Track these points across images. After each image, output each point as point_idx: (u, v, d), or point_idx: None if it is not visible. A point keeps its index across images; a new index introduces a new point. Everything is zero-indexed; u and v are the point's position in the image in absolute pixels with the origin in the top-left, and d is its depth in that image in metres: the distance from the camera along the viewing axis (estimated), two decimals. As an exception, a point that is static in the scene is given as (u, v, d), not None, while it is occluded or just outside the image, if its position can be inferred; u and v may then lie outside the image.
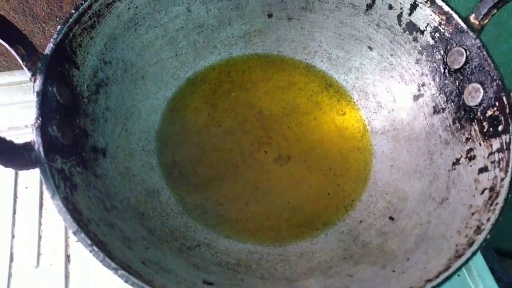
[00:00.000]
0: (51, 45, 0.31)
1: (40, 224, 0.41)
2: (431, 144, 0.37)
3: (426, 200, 0.34)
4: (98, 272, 0.39)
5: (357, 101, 0.43)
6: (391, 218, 0.35)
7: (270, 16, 0.44)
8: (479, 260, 0.41)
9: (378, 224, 0.35)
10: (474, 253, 0.25)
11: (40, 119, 0.28)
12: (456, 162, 0.34)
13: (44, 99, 0.29)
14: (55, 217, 0.41)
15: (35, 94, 0.29)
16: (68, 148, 0.30)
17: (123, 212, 0.31)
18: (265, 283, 0.30)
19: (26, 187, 0.43)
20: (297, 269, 0.32)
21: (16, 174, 0.44)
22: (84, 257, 0.40)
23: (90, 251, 0.24)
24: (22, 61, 0.30)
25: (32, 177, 0.43)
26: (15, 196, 0.42)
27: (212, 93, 0.43)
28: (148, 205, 0.34)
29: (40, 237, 0.40)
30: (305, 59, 0.45)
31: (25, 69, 0.30)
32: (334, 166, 0.40)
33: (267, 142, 0.41)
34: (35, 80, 0.30)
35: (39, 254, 0.40)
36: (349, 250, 0.33)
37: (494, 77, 0.32)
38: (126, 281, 0.23)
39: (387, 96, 0.41)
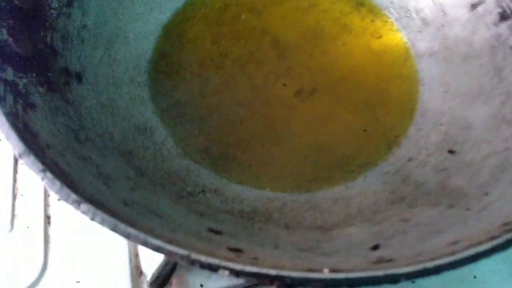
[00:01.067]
0: None
1: (14, 180, 0.34)
2: (498, 58, 0.28)
3: (499, 125, 0.25)
4: (84, 235, 0.32)
5: (396, 20, 0.35)
6: (450, 152, 0.27)
7: None
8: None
9: (434, 160, 0.27)
10: None
11: (-19, 17, 0.21)
12: (539, 73, 0.25)
13: (-11, -7, 0.21)
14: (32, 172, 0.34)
15: (-23, -13, 0.22)
16: (26, 61, 0.23)
17: (102, 146, 0.24)
18: (292, 233, 0.23)
19: (0, 139, 0.36)
20: (332, 216, 0.25)
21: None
22: (68, 218, 0.33)
23: (42, 179, 0.16)
24: None
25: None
26: (-14, 151, 0.35)
27: (216, 18, 0.35)
28: (138, 143, 0.27)
29: (14, 196, 0.33)
30: (329, -26, 0.37)
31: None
32: (370, 99, 0.32)
33: (285, 74, 0.34)
34: (-22, -28, 0.22)
35: (13, 216, 0.33)
36: (399, 192, 0.25)
37: None
38: (92, 218, 0.15)
39: (435, 9, 0.33)
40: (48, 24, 0.26)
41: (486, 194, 0.21)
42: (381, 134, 0.30)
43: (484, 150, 0.25)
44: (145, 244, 0.15)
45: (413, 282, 0.26)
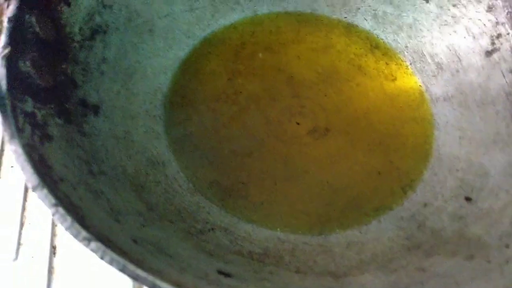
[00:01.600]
0: (34, -31, 0.24)
1: (23, 209, 0.34)
2: (515, 105, 0.28)
3: (518, 174, 0.25)
4: (88, 267, 0.31)
5: (410, 64, 0.35)
6: (467, 199, 0.26)
7: (303, -34, 0.37)
8: None
9: (451, 207, 0.26)
10: None
11: (9, 48, 0.21)
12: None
13: (17, 26, 0.22)
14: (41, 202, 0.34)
15: (6, 19, 0.22)
16: (47, 93, 0.23)
17: (115, 180, 0.24)
18: (303, 278, 0.22)
19: (12, 166, 0.36)
20: (345, 262, 0.24)
21: (1, 151, 0.37)
22: (73, 249, 0.32)
23: (53, 214, 0.16)
24: (-8, -20, 0.23)
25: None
26: (-3, 176, 0.35)
27: (233, 56, 0.36)
28: (150, 177, 0.26)
29: (22, 224, 0.33)
30: (345, 17, 0.37)
31: (-4, -9, 0.23)
32: (384, 141, 0.32)
33: (299, 112, 0.34)
34: (8, 6, 0.23)
35: (19, 244, 0.32)
36: (414, 239, 0.25)
37: None
38: (101, 257, 0.15)
39: (450, 55, 0.33)
40: (70, 56, 0.26)
41: (507, 246, 0.21)
42: (396, 177, 0.30)
43: (503, 198, 0.24)
44: (154, 287, 0.14)
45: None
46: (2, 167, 0.36)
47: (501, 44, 0.30)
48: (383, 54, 0.36)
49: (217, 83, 0.35)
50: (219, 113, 0.33)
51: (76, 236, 0.16)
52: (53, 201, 0.16)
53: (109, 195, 0.22)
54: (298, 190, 0.30)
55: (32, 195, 0.35)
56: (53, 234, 0.33)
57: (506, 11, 0.30)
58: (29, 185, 0.17)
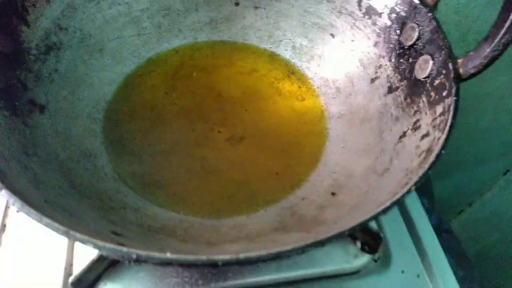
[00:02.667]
0: (-1, -4, 0.32)
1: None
2: (382, 122, 0.35)
3: (370, 175, 0.31)
4: (34, 246, 0.37)
5: (317, 87, 0.42)
6: (333, 194, 0.32)
7: (237, 4, 0.44)
8: (443, 263, 0.38)
9: (320, 200, 0.32)
10: (393, 204, 0.23)
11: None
12: (403, 134, 0.32)
13: (-23, 39, 0.29)
14: None
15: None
16: (-2, 91, 0.30)
17: (46, 162, 0.30)
18: (183, 245, 0.28)
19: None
20: (224, 237, 0.30)
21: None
22: (22, 229, 0.38)
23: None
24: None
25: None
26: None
27: (172, 74, 0.43)
28: (80, 164, 0.33)
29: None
30: (270, 47, 0.45)
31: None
32: (287, 149, 0.38)
33: (222, 123, 0.40)
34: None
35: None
36: (284, 222, 0.31)
37: (443, 46, 0.31)
38: (7, 200, 0.21)
39: (346, 81, 0.40)
40: (24, 66, 0.33)
41: (335, 223, 0.27)
42: (289, 177, 0.36)
43: (354, 193, 0.31)
44: (40, 220, 0.21)
45: None
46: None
47: (381, 73, 0.37)
48: (297, 79, 0.43)
49: (155, 95, 0.41)
50: (153, 118, 0.40)
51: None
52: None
53: (36, 170, 0.28)
54: (208, 185, 0.36)
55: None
56: (5, 215, 0.39)
57: (386, 46, 0.37)
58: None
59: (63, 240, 0.36)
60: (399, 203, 0.23)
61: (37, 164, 0.29)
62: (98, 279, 0.34)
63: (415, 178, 0.24)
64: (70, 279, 0.32)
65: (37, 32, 0.35)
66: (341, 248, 0.37)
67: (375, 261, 0.37)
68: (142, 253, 0.20)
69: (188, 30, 0.45)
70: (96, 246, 0.20)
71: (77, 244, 0.36)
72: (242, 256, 0.20)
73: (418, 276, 0.37)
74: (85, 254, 0.35)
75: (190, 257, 0.20)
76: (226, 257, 0.20)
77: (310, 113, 0.41)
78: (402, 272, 0.37)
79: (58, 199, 0.27)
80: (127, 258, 0.20)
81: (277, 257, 0.20)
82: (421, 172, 0.24)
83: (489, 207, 0.92)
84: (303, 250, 0.20)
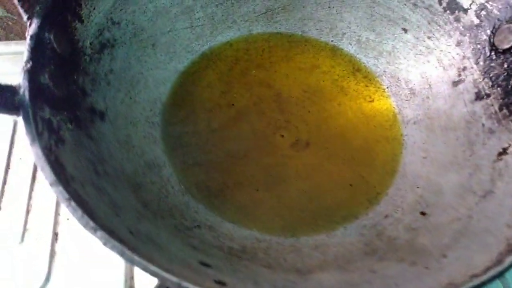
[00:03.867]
0: (54, -10, 0.28)
1: (30, 198, 0.38)
2: (471, 133, 0.32)
3: (466, 194, 0.29)
4: (86, 253, 0.35)
5: (387, 87, 0.39)
6: (422, 213, 0.30)
7: (296, -8, 0.41)
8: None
9: (407, 219, 0.30)
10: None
11: (30, 62, 0.25)
12: (503, 152, 0.29)
13: (38, 43, 0.26)
14: (47, 192, 0.38)
15: (28, 37, 0.26)
16: (61, 102, 0.27)
17: (115, 179, 0.27)
18: (273, 273, 0.26)
19: (20, 158, 0.40)
20: (310, 261, 0.28)
21: (11, 144, 0.40)
22: (74, 236, 0.36)
23: (67, 206, 0.20)
24: (18, 1, 0.27)
25: (27, 148, 0.40)
26: (7, 167, 0.39)
27: (227, 70, 0.40)
28: (147, 178, 0.30)
29: (28, 212, 0.37)
30: (332, 41, 0.41)
31: (21, 10, 0.27)
32: (357, 156, 0.36)
33: (284, 126, 0.37)
34: (30, 24, 0.27)
35: (25, 229, 0.36)
36: (372, 245, 0.29)
37: (553, 55, 0.28)
38: (105, 244, 0.19)
39: (422, 82, 0.37)
40: (81, 68, 0.30)
41: (444, 256, 0.24)
42: (365, 190, 0.34)
43: (450, 215, 0.28)
44: (146, 269, 0.18)
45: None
46: (12, 158, 0.40)
47: (466, 76, 0.34)
48: (364, 77, 0.40)
49: (211, 95, 0.38)
50: (212, 122, 0.37)
51: (85, 225, 0.19)
52: (66, 196, 0.20)
53: (110, 192, 0.26)
54: (277, 197, 0.34)
55: (38, 186, 0.38)
56: (56, 222, 0.37)
57: (472, 47, 0.34)
58: (48, 181, 0.21)
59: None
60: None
61: (108, 184, 0.26)
62: (163, 297, 0.32)
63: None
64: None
65: (91, 28, 0.31)
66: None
67: None
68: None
69: (243, 21, 0.41)
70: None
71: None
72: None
73: (495, 292, 0.35)
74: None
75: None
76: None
77: (381, 116, 0.38)
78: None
79: (138, 226, 0.24)
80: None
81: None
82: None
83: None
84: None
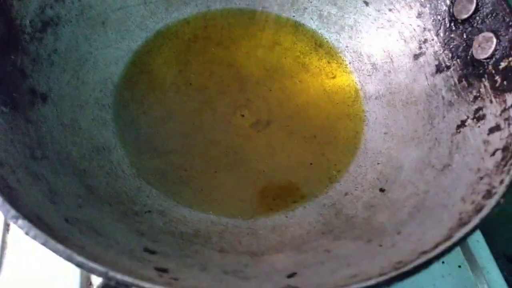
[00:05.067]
0: (-17, -37, 0.26)
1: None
2: (432, 107, 0.31)
3: (425, 169, 0.28)
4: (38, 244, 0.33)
5: (349, 63, 0.38)
6: (381, 190, 0.29)
7: (255, -34, 0.39)
8: (484, 252, 0.36)
9: (366, 197, 0.29)
10: (483, 220, 0.20)
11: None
12: (462, 124, 0.28)
13: (-37, 20, 0.24)
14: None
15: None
16: (-8, 83, 0.25)
17: (58, 164, 0.26)
18: (224, 257, 0.25)
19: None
20: (266, 243, 0.27)
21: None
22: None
23: (-14, 194, 0.18)
24: None
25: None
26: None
27: (185, 49, 0.38)
28: (94, 162, 0.29)
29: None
30: (293, 16, 0.40)
31: None
32: (319, 134, 0.35)
33: (244, 105, 0.36)
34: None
35: (-26, 222, 0.34)
36: (330, 224, 0.28)
37: (510, 23, 0.27)
38: (27, 233, 0.17)
39: (384, 56, 0.36)
40: (20, 48, 0.28)
41: (399, 232, 0.24)
42: (325, 168, 0.33)
43: (408, 190, 0.27)
44: (70, 260, 0.17)
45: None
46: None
47: (427, 48, 0.33)
48: (326, 53, 0.38)
49: (168, 74, 0.37)
50: (168, 104, 0.35)
51: (6, 214, 0.18)
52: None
53: (49, 178, 0.24)
54: (236, 178, 0.33)
55: None
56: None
57: (432, 18, 0.33)
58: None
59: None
60: (485, 221, 0.20)
61: (48, 169, 0.25)
62: None
63: (497, 186, 0.21)
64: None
65: (30, 5, 0.29)
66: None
67: (415, 252, 0.35)
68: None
69: (200, -3, 0.39)
70: (144, 289, 0.16)
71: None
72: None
73: (459, 266, 0.35)
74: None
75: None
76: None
77: (343, 93, 0.37)
78: (443, 263, 0.35)
79: (79, 214, 0.23)
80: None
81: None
82: (505, 179, 0.21)
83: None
84: (388, 283, 0.17)
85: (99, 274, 0.17)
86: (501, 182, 0.21)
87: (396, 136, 0.32)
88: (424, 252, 0.19)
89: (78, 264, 0.17)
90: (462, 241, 0.19)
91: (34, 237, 0.17)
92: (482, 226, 0.20)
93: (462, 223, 0.20)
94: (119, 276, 0.16)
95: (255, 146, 0.34)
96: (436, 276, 0.35)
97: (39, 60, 0.29)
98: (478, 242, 0.36)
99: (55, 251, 0.17)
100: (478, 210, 0.21)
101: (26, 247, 0.33)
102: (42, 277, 0.32)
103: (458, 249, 0.36)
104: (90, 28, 0.34)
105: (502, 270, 0.34)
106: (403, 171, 0.29)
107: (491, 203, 0.20)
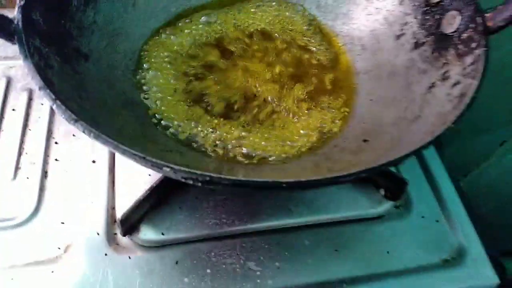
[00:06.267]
0: None
1: (22, 142, 0.42)
2: (409, 76, 0.37)
3: (400, 121, 0.34)
4: (72, 189, 0.39)
5: (343, 44, 0.44)
6: (365, 141, 0.34)
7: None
8: (459, 208, 0.41)
9: (352, 146, 0.34)
10: (436, 138, 0.25)
11: (23, 0, 0.29)
12: (432, 85, 0.34)
13: (30, -13, 0.30)
14: (37, 137, 0.42)
15: (21, -18, 0.30)
16: (49, 37, 0.31)
17: (96, 106, 0.32)
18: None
19: (13, 109, 0.44)
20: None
21: (5, 97, 0.44)
22: (61, 175, 0.40)
23: (53, 105, 0.24)
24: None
25: (19, 102, 0.44)
26: (1, 117, 0.43)
27: (200, 33, 0.44)
28: (124, 112, 0.35)
29: (20, 154, 0.41)
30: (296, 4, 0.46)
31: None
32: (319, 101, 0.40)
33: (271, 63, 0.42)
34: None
35: (17, 168, 0.40)
36: (319, 165, 0.33)
37: (470, 2, 0.33)
38: (84, 132, 0.23)
39: (372, 38, 0.42)
40: (68, 15, 0.34)
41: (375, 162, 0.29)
42: (323, 130, 0.38)
43: (386, 138, 0.33)
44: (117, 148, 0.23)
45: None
46: (6, 109, 0.44)
47: (407, 30, 0.39)
48: (323, 36, 0.44)
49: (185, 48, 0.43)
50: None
51: (68, 119, 0.24)
52: (53, 96, 0.24)
53: (92, 112, 0.30)
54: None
55: (29, 133, 0.42)
56: (46, 162, 0.41)
57: (412, 4, 0.39)
58: (37, 87, 0.25)
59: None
60: (439, 140, 0.25)
61: (91, 107, 0.30)
62: (141, 220, 0.37)
63: (451, 118, 0.27)
64: (119, 216, 0.34)
65: (77, -18, 0.36)
66: (366, 195, 0.39)
67: (397, 207, 0.40)
68: (215, 175, 0.22)
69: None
70: (172, 169, 0.22)
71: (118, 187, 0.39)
72: (304, 179, 0.22)
73: (437, 221, 0.40)
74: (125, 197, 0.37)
75: (259, 180, 0.22)
76: (290, 180, 0.22)
77: (338, 68, 0.42)
78: (422, 217, 0.40)
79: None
80: (200, 181, 0.22)
81: (336, 182, 0.23)
82: (457, 112, 0.26)
83: (486, 177, 0.95)
84: (357, 175, 0.23)
85: (145, 162, 0.22)
86: (455, 116, 0.27)
87: (380, 101, 0.38)
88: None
89: (123, 152, 0.22)
90: (419, 151, 0.24)
91: (83, 130, 0.23)
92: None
93: (420, 146, 0.26)
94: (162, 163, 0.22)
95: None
96: (418, 228, 0.39)
97: (82, 27, 0.36)
98: (454, 201, 0.41)
99: (105, 143, 0.23)
100: (436, 136, 0.26)
101: (61, 191, 0.39)
102: (73, 215, 0.37)
103: (436, 205, 0.41)
104: (123, 8, 0.40)
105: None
106: (383, 126, 0.35)
107: (443, 129, 0.26)
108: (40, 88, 0.25)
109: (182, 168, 0.22)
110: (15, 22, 0.28)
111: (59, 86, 0.28)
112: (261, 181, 0.22)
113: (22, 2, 0.29)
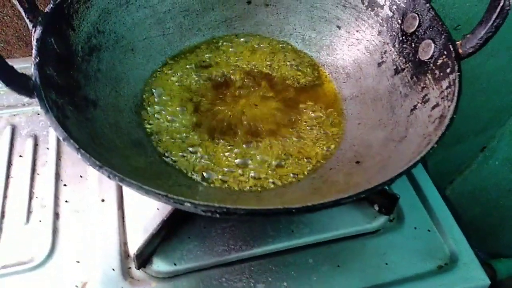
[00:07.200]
0: (51, 5, 0.35)
1: (31, 186, 0.43)
2: (393, 100, 0.40)
3: (388, 143, 0.37)
4: (84, 228, 0.41)
5: (328, 73, 0.47)
6: (357, 162, 0.37)
7: (249, 3, 0.49)
8: (449, 219, 0.44)
9: (346, 168, 0.37)
10: (422, 159, 0.28)
11: (38, 58, 0.32)
12: (414, 108, 0.37)
13: (42, 44, 0.33)
14: (46, 181, 0.44)
15: (35, 40, 0.33)
16: (63, 90, 0.34)
17: (109, 149, 0.34)
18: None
19: (21, 156, 0.46)
20: (268, 203, 0.35)
21: (11, 144, 0.46)
22: (72, 215, 0.42)
23: (77, 153, 0.27)
24: (25, 13, 0.34)
25: (25, 148, 0.46)
26: (10, 164, 0.45)
27: (195, 68, 0.47)
28: (134, 152, 0.37)
29: (31, 198, 0.43)
30: (282, 40, 0.49)
31: (27, 20, 0.34)
32: (306, 129, 0.43)
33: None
34: (35, 31, 0.34)
35: (29, 212, 0.42)
36: (318, 188, 0.36)
37: (442, 32, 0.37)
38: (108, 176, 0.26)
39: (355, 67, 0.46)
40: (75, 66, 0.37)
41: (369, 183, 0.32)
42: (320, 156, 0.41)
43: (377, 159, 0.36)
44: (140, 189, 0.25)
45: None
46: (13, 157, 0.46)
47: (387, 57, 0.43)
48: (310, 67, 0.48)
49: (183, 89, 0.46)
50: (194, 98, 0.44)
51: (92, 165, 0.26)
52: (76, 146, 0.27)
53: (107, 156, 0.32)
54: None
55: (38, 177, 0.44)
56: (56, 204, 0.42)
57: (389, 34, 0.43)
58: (61, 138, 0.27)
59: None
60: (424, 160, 0.28)
61: (104, 151, 0.33)
62: (153, 253, 0.39)
63: (435, 139, 0.30)
64: (133, 251, 0.36)
65: (81, 36, 0.39)
66: (362, 212, 0.42)
67: (391, 221, 0.43)
68: (231, 207, 0.25)
69: (206, 29, 0.49)
70: (193, 204, 0.25)
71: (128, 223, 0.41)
72: (310, 204, 0.25)
73: (429, 230, 0.43)
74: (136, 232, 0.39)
75: (271, 207, 0.24)
76: (298, 206, 0.25)
77: (325, 97, 0.46)
78: (415, 228, 0.43)
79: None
80: (219, 212, 0.25)
81: (339, 204, 0.25)
82: (439, 133, 0.30)
83: (470, 183, 0.99)
84: (358, 196, 0.26)
85: (165, 200, 0.25)
86: (438, 136, 0.30)
87: (367, 124, 0.41)
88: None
89: (147, 192, 0.25)
90: (408, 170, 0.27)
91: (114, 177, 0.25)
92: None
93: (410, 166, 0.29)
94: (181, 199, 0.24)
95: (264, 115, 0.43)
96: (412, 239, 0.42)
97: (88, 76, 0.38)
98: (442, 210, 0.44)
99: (128, 185, 0.25)
100: (422, 157, 0.29)
101: (74, 231, 0.41)
102: (88, 254, 0.39)
103: (427, 216, 0.44)
104: (123, 54, 0.43)
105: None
106: (373, 148, 0.38)
107: (428, 149, 0.29)
108: (64, 139, 0.27)
109: (202, 203, 0.24)
110: (33, 78, 0.31)
111: (77, 135, 0.30)
112: (273, 209, 0.25)
113: (37, 60, 0.32)
